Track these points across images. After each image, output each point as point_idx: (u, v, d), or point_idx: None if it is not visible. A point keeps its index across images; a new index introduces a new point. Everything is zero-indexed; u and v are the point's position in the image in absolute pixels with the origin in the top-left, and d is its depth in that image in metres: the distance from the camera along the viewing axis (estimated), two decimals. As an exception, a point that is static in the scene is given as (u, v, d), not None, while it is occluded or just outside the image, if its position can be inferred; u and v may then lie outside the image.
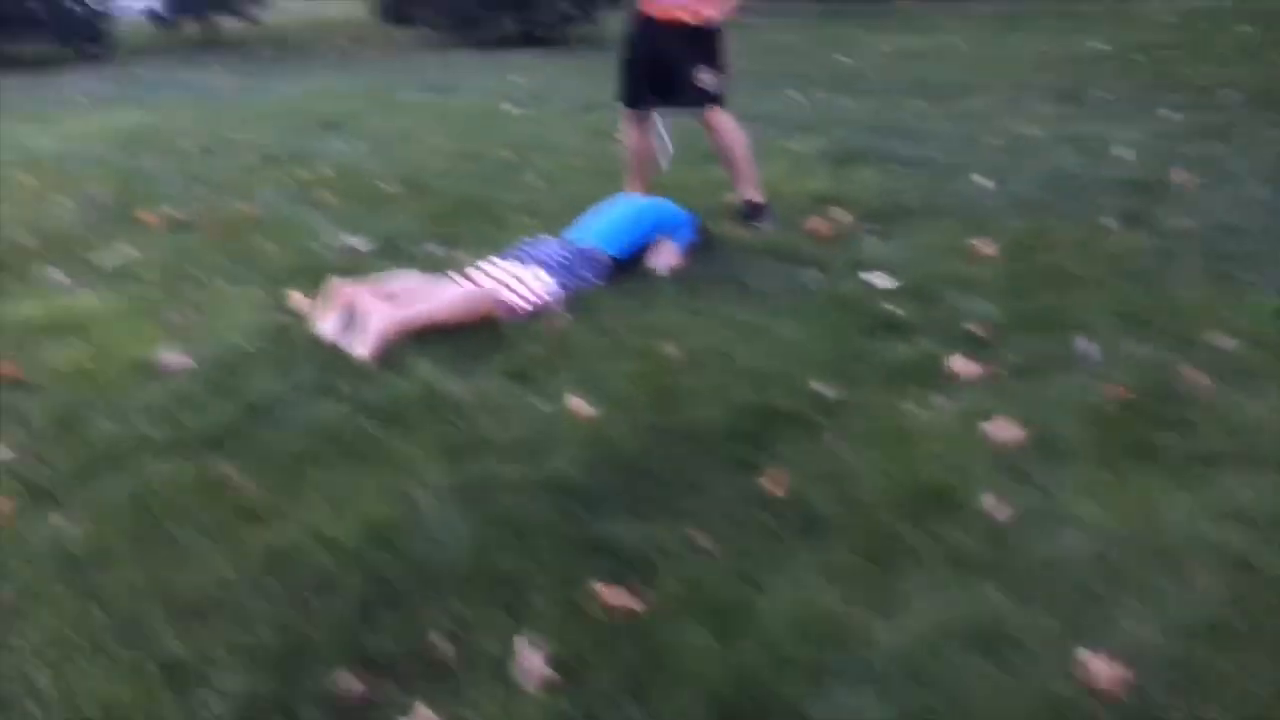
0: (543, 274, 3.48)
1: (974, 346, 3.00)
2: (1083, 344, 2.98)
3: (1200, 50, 9.09)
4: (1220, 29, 10.45)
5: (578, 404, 2.68)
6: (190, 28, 15.70)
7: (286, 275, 3.82)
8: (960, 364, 2.89)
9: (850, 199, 4.62)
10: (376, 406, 2.70)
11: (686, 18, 4.17)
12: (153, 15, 15.48)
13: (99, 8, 14.14)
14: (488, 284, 3.43)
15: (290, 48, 14.59)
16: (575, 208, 4.29)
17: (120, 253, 4.12)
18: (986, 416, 2.58)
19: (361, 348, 3.00)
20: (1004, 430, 2.52)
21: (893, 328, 3.17)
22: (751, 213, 4.34)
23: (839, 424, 2.59)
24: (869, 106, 7.15)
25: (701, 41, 4.27)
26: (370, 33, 16.21)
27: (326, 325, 3.14)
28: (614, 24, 14.48)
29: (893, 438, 2.52)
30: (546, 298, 3.41)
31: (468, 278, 3.50)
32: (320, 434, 2.56)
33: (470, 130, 6.89)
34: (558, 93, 8.66)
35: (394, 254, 4.11)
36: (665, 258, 3.77)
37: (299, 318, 3.29)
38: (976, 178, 4.84)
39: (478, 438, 2.56)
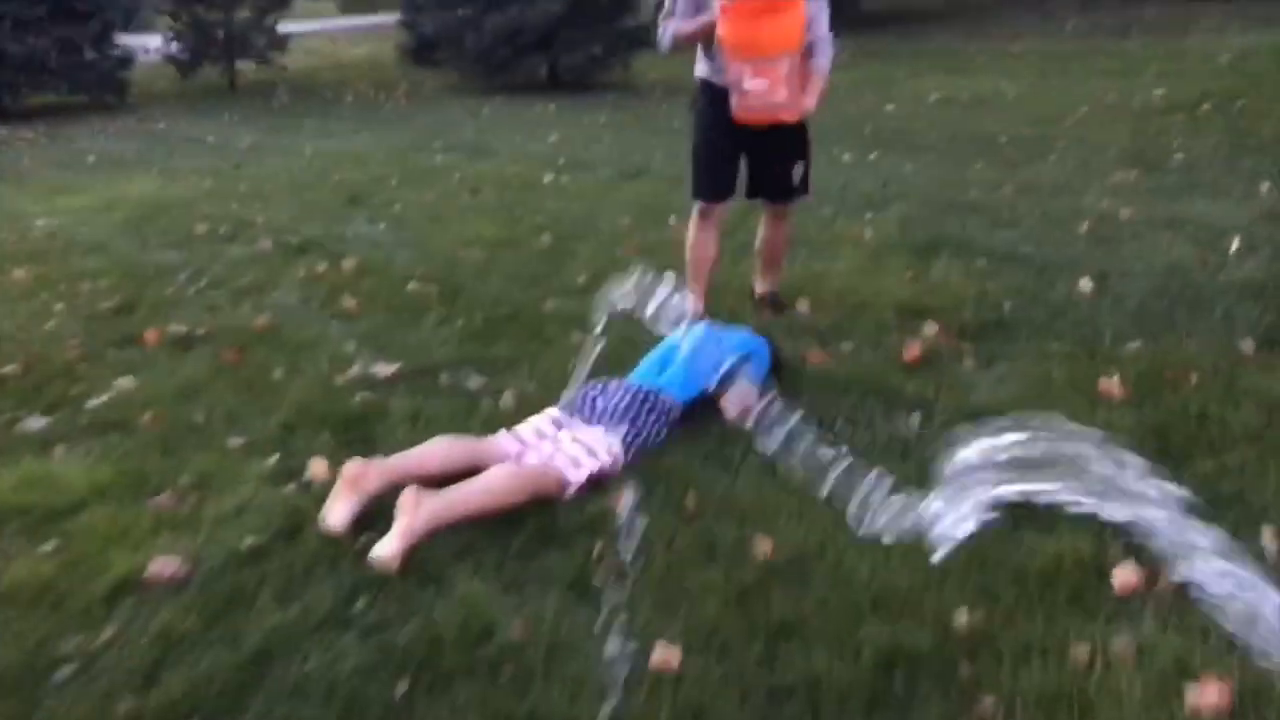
0: (603, 432, 2.97)
1: (1131, 544, 2.45)
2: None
3: (1270, 102, 8.50)
4: (1282, 72, 9.88)
5: (659, 653, 2.13)
6: (210, 72, 15.37)
7: (302, 419, 3.33)
8: (1123, 574, 2.34)
9: (939, 308, 4.08)
10: (406, 650, 2.17)
11: (790, 118, 3.74)
12: (172, 60, 15.15)
13: (117, 54, 13.81)
14: (541, 450, 2.91)
15: (312, 94, 14.23)
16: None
17: (113, 389, 3.62)
18: (1184, 669, 2.03)
19: (385, 549, 2.48)
20: (1210, 695, 1.96)
21: (1027, 513, 2.62)
22: (780, 304, 4.23)
23: (993, 680, 2.04)
24: (933, 175, 6.61)
25: (798, 132, 3.92)
26: (394, 76, 15.85)
27: (338, 515, 2.62)
28: (643, 66, 14.11)
29: (1065, 707, 1.97)
30: (608, 462, 2.89)
31: (517, 439, 2.98)
32: (338, 703, 2.03)
33: (507, 207, 6.40)
34: (596, 155, 8.19)
35: (423, 386, 3.61)
36: (742, 401, 3.24)
37: (315, 497, 2.77)
38: (1077, 281, 4.29)
39: (531, 709, 2.02)
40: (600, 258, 5.09)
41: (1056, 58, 13.22)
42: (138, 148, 10.10)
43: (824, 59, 3.85)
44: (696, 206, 4.11)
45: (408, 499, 2.59)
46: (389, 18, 19.68)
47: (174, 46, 15.09)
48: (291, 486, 2.88)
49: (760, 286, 4.32)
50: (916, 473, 2.84)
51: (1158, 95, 9.44)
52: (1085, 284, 4.26)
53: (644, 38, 13.73)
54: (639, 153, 8.19)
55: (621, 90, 13.04)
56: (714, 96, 3.88)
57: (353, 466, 2.70)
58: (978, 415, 3.14)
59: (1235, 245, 4.60)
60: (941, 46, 15.72)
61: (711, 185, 4.04)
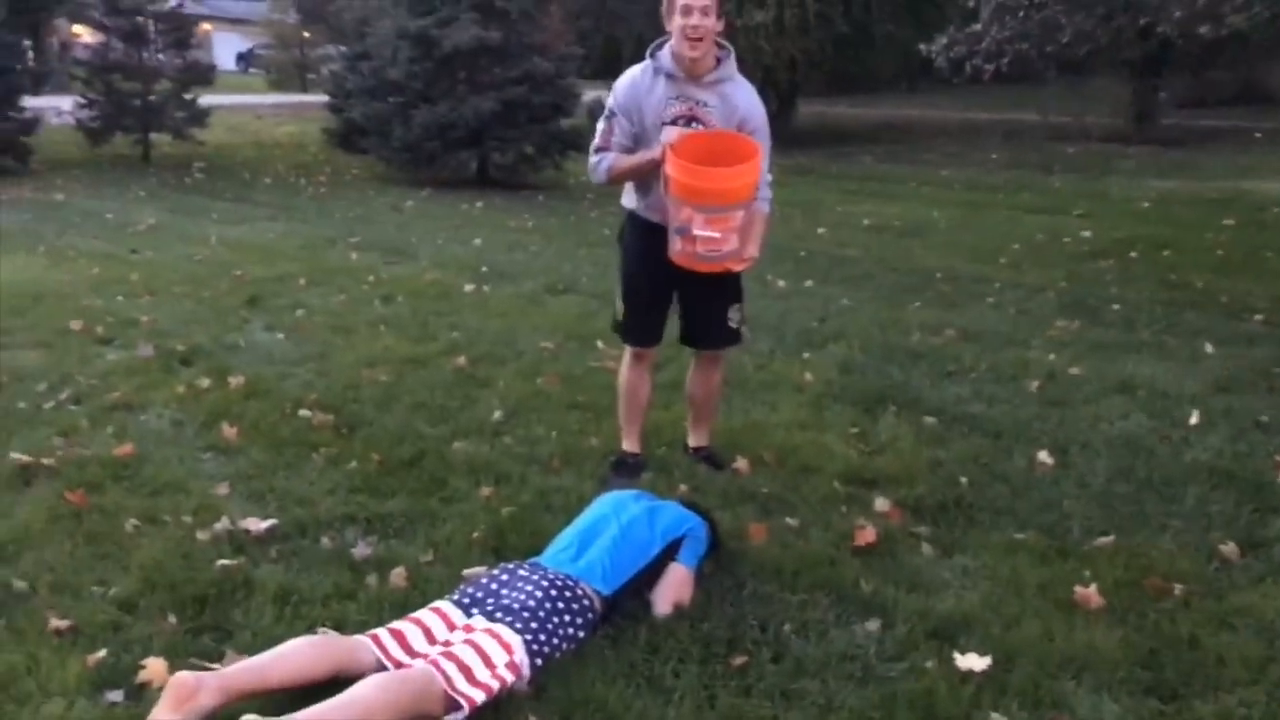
0: (507, 633, 2.47)
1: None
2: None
3: (1197, 253, 8.53)
4: (1204, 224, 9.98)
5: None
6: (123, 142, 14.71)
7: (148, 591, 2.78)
8: None
9: (890, 478, 3.71)
10: None
11: (738, 268, 3.43)
12: (82, 127, 14.46)
13: (19, 116, 13.11)
14: (426, 655, 2.40)
15: (230, 173, 13.67)
16: (541, 465, 3.59)
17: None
18: None
19: None
20: None
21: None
22: (716, 461, 3.83)
23: None
24: (870, 311, 6.34)
25: (735, 279, 3.59)
26: (317, 160, 15.39)
27: None
28: (575, 167, 13.89)
29: None
30: (510, 677, 2.39)
31: (397, 640, 2.46)
32: None
33: (420, 319, 5.92)
34: (521, 264, 7.80)
35: (300, 550, 3.09)
36: (676, 593, 2.79)
37: (143, 710, 2.21)
38: (1035, 453, 3.96)
39: None
40: (518, 388, 4.64)
41: (984, 188, 13.38)
42: (28, 220, 9.41)
43: (765, 202, 3.55)
44: (628, 352, 3.75)
45: None
46: (318, 98, 19.31)
47: (85, 114, 14.42)
48: (117, 695, 2.32)
49: (694, 439, 3.92)
50: (877, 704, 2.40)
51: (1085, 236, 9.46)
52: (1044, 457, 3.93)
53: (577, 140, 13.56)
54: (567, 263, 7.83)
55: (552, 190, 12.78)
56: (644, 231, 3.57)
57: (183, 681, 2.16)
58: (942, 627, 2.74)
59: (1194, 419, 4.35)
60: (870, 169, 15.88)
61: (641, 332, 3.72)
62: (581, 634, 2.59)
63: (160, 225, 9.32)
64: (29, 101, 13.64)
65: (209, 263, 7.50)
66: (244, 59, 40.24)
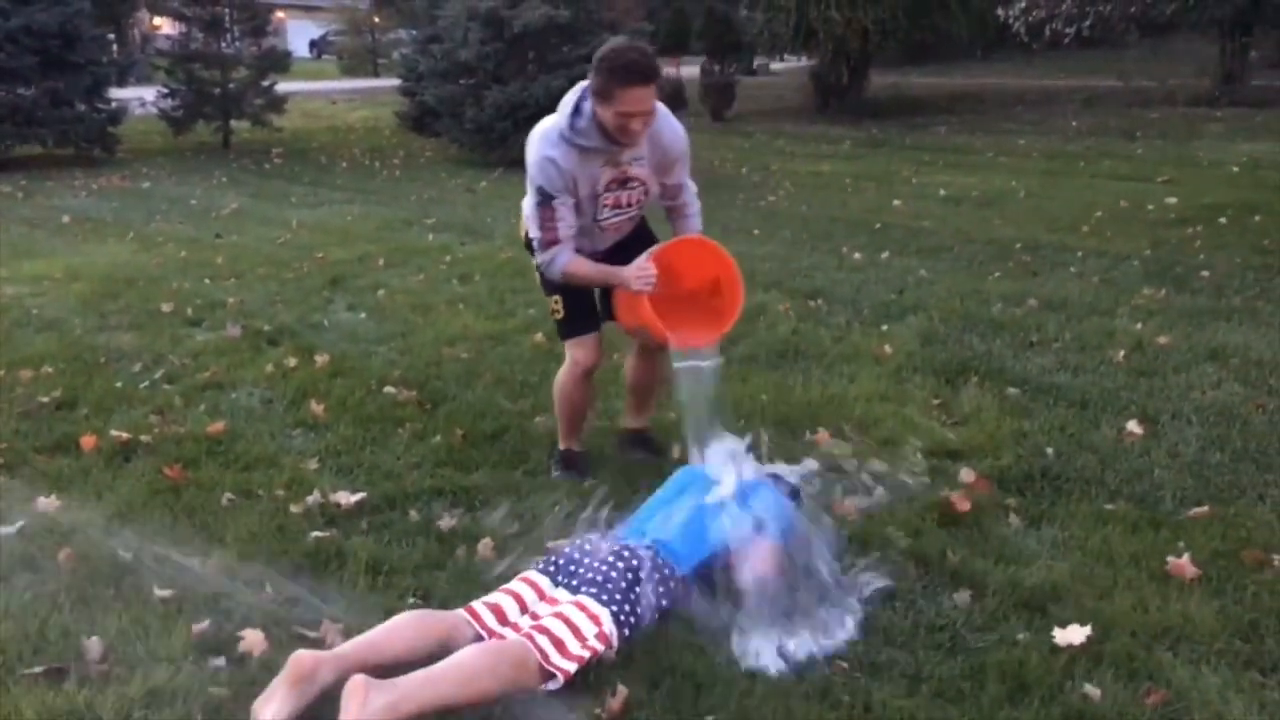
0: (594, 604, 2.50)
1: None
2: None
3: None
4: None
5: None
6: (204, 130, 15.07)
7: (246, 563, 2.86)
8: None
9: (974, 449, 3.66)
10: None
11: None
12: (165, 117, 14.84)
13: (108, 109, 13.49)
14: (519, 627, 2.45)
15: (306, 158, 13.92)
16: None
17: (31, 512, 3.14)
18: None
19: None
20: None
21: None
22: (651, 448, 3.67)
23: None
24: (949, 283, 6.23)
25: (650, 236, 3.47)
26: (391, 143, 15.60)
27: (275, 713, 2.15)
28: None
29: None
30: (600, 647, 2.42)
31: (494, 613, 2.51)
32: None
33: (498, 297, 5.98)
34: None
35: (390, 522, 3.16)
36: (758, 564, 2.76)
37: (245, 680, 2.29)
38: (1123, 423, 3.87)
39: None
40: (597, 365, 4.65)
41: (1064, 156, 13.04)
42: (117, 208, 9.71)
43: (696, 219, 3.42)
44: (570, 352, 3.46)
45: (355, 690, 2.12)
46: (390, 82, 19.56)
47: (168, 103, 14.79)
48: (220, 661, 2.40)
49: (634, 422, 3.76)
50: (966, 674, 2.39)
51: (1170, 202, 9.18)
52: (1133, 426, 3.84)
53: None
54: (639, 240, 7.82)
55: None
56: None
57: (302, 660, 2.22)
58: (1033, 598, 2.70)
59: (1273, 379, 4.21)
60: (945, 140, 15.56)
61: (582, 320, 3.41)
62: (664, 603, 2.61)
63: (242, 210, 9.54)
64: (114, 93, 14.03)
65: (290, 245, 7.67)
66: (316, 45, 40.92)
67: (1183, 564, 2.85)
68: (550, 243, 3.16)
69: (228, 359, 4.75)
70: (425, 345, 4.98)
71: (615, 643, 2.46)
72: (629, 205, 3.30)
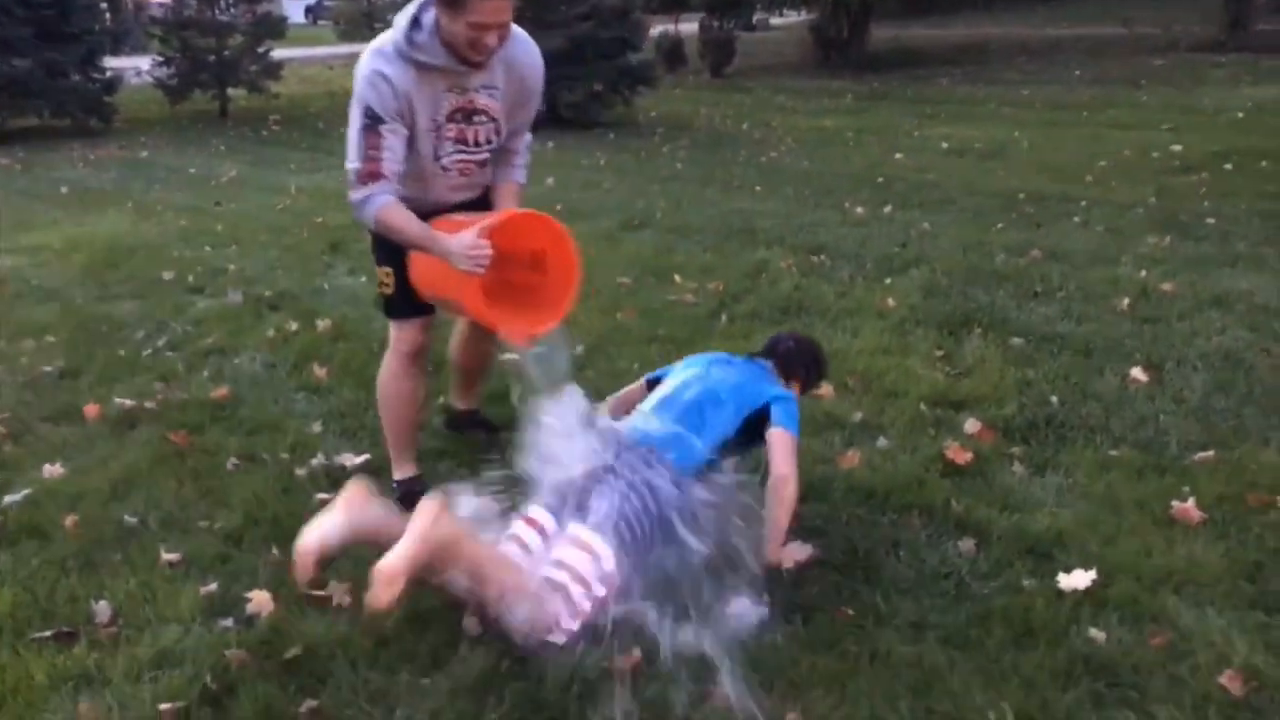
0: (598, 543, 2.44)
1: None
2: None
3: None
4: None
5: None
6: (201, 97, 14.97)
7: (251, 525, 2.87)
8: None
9: (977, 400, 3.65)
10: None
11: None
12: (161, 86, 14.74)
13: (103, 78, 13.40)
14: (533, 551, 2.43)
15: (304, 124, 13.83)
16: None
17: (36, 481, 3.15)
18: None
19: (394, 558, 2.09)
20: None
21: (1123, 697, 2.16)
22: (489, 424, 3.49)
23: None
24: (952, 235, 6.20)
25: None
26: (388, 107, 15.46)
27: (317, 536, 2.22)
28: (645, 103, 13.78)
29: None
30: (602, 594, 2.38)
31: (518, 544, 2.49)
32: None
33: (496, 258, 5.95)
34: (596, 202, 7.77)
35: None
36: (781, 461, 2.62)
37: (254, 639, 2.31)
38: (1128, 370, 3.86)
39: None
40: (599, 323, 4.65)
41: (1067, 106, 12.92)
42: (115, 178, 9.67)
43: (521, 170, 3.01)
44: (395, 332, 3.05)
45: (428, 507, 2.19)
46: (386, 47, 19.32)
47: (163, 72, 14.69)
48: (228, 622, 2.42)
49: (464, 403, 3.53)
50: (972, 621, 2.39)
51: (1175, 150, 9.11)
52: (1138, 373, 3.83)
53: (646, 75, 13.43)
54: (640, 199, 7.79)
55: (622, 127, 12.68)
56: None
57: (358, 488, 2.31)
58: (1038, 545, 2.71)
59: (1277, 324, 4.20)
60: (948, 91, 15.43)
61: (415, 302, 2.99)
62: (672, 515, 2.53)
63: (241, 177, 9.50)
64: (109, 62, 13.92)
65: (290, 211, 7.64)
66: (311, 11, 40.56)
67: (1187, 508, 2.85)
68: (370, 175, 2.63)
69: (230, 325, 4.74)
70: (427, 308, 4.96)
71: (618, 582, 2.41)
72: (475, 145, 2.82)
